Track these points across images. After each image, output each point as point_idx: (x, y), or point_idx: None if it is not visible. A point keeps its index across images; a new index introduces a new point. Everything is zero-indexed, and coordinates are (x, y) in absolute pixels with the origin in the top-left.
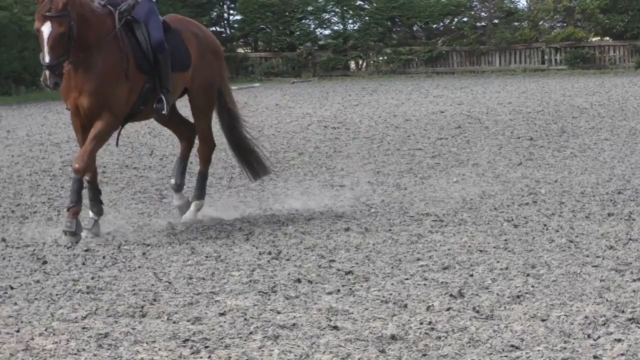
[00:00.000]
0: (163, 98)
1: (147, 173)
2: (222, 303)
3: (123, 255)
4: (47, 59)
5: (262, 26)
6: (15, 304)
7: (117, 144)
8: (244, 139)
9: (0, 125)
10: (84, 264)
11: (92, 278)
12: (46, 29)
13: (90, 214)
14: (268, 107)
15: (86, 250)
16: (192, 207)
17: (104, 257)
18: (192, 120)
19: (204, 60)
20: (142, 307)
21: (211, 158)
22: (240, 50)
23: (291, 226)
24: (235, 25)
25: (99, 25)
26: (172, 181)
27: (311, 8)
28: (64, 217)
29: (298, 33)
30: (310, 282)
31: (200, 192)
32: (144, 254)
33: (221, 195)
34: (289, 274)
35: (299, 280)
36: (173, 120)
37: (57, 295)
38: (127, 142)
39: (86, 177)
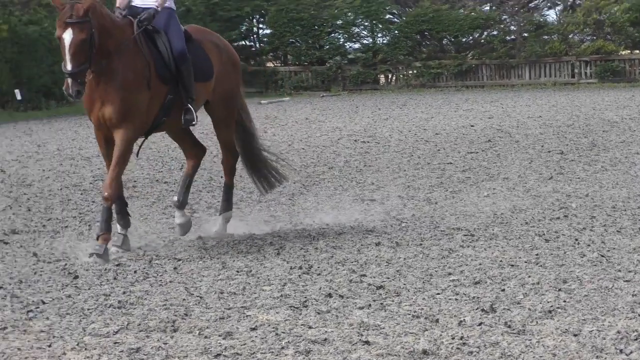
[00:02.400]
0: (191, 108)
1: (174, 188)
2: (253, 318)
3: (154, 270)
4: (68, 66)
5: (291, 40)
6: (47, 318)
7: (137, 155)
8: (257, 154)
9: (31, 139)
10: (115, 278)
11: (124, 293)
12: (67, 35)
13: (118, 227)
14: (298, 121)
15: (117, 265)
16: (221, 219)
17: (135, 272)
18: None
19: (225, 71)
20: (174, 321)
21: (236, 168)
22: (269, 64)
23: (322, 240)
24: (265, 39)
25: (120, 34)
26: (175, 198)
27: (341, 22)
28: (93, 242)
29: (327, 47)
30: (341, 296)
31: (227, 204)
32: (175, 268)
33: (252, 210)
34: (320, 288)
35: (330, 295)
36: (184, 138)
37: (88, 309)
38: (157, 156)
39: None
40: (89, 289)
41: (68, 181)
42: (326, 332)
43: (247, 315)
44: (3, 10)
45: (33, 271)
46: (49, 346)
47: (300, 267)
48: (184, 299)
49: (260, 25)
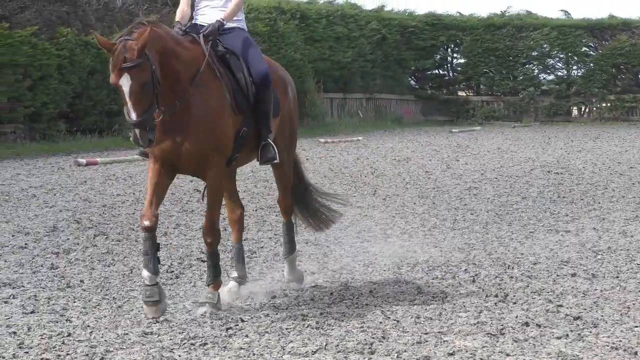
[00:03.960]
0: (271, 143)
1: (371, 212)
2: (450, 343)
3: (350, 292)
4: (132, 116)
5: (485, 70)
6: (247, 336)
7: (202, 199)
8: (306, 188)
9: None
10: (312, 299)
11: (321, 314)
12: (125, 82)
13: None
14: (490, 151)
15: (314, 287)
16: (287, 264)
17: (331, 294)
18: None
19: (290, 107)
20: (371, 344)
21: (293, 207)
22: (461, 93)
23: (517, 269)
24: (459, 68)
25: (187, 54)
26: (235, 274)
27: (536, 53)
28: (204, 291)
29: (521, 78)
30: (538, 325)
31: (291, 245)
32: (370, 291)
33: (445, 237)
34: (516, 317)
35: (527, 324)
36: (229, 185)
37: (287, 329)
38: (349, 181)
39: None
40: (286, 308)
41: (263, 203)
42: None
43: (444, 341)
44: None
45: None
46: None
47: (496, 295)
48: (380, 322)
49: (455, 55)
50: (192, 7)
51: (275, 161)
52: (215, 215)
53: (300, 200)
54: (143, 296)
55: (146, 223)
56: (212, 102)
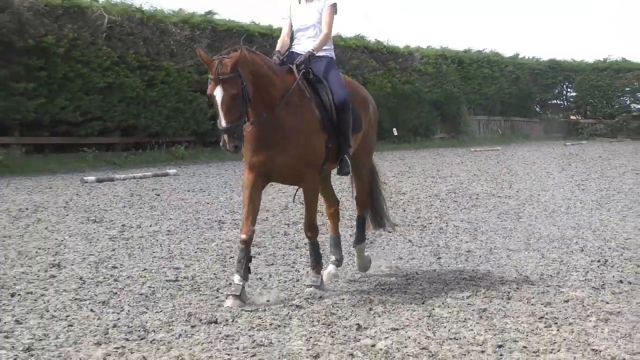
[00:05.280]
0: (347, 159)
1: (506, 200)
2: (565, 294)
3: (493, 256)
4: (223, 123)
5: (590, 100)
6: (420, 285)
7: (294, 200)
8: (379, 192)
9: (403, 162)
10: (467, 260)
11: (471, 270)
12: (218, 93)
13: (236, 278)
14: (593, 158)
15: (468, 251)
16: (356, 251)
17: (472, 252)
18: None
19: (370, 125)
20: (509, 292)
21: (368, 205)
22: (572, 117)
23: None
24: (571, 99)
25: (281, 81)
26: (333, 258)
27: (628, 89)
28: (310, 274)
29: (617, 106)
30: None
31: (361, 235)
32: (507, 256)
33: (561, 218)
34: None
35: (621, 281)
36: (326, 188)
37: (448, 280)
38: (492, 178)
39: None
40: (448, 266)
41: (429, 192)
42: (619, 307)
43: (560, 292)
44: (389, 74)
45: (409, 252)
46: (423, 303)
47: None
48: (515, 278)
49: (569, 89)
50: (291, 38)
51: (350, 174)
52: (313, 215)
53: (372, 199)
54: (230, 290)
55: (243, 237)
56: (304, 119)
